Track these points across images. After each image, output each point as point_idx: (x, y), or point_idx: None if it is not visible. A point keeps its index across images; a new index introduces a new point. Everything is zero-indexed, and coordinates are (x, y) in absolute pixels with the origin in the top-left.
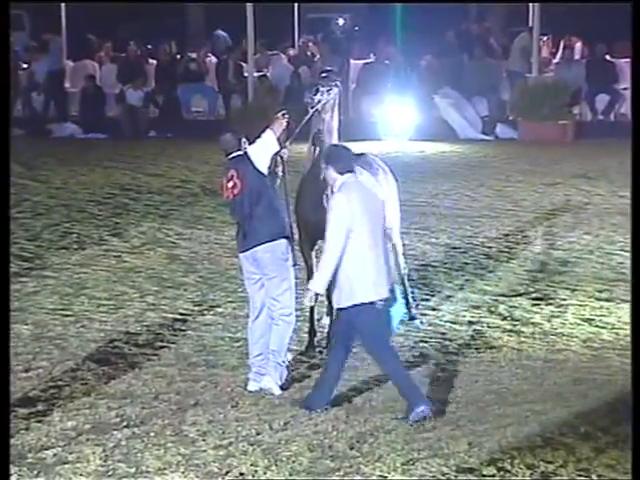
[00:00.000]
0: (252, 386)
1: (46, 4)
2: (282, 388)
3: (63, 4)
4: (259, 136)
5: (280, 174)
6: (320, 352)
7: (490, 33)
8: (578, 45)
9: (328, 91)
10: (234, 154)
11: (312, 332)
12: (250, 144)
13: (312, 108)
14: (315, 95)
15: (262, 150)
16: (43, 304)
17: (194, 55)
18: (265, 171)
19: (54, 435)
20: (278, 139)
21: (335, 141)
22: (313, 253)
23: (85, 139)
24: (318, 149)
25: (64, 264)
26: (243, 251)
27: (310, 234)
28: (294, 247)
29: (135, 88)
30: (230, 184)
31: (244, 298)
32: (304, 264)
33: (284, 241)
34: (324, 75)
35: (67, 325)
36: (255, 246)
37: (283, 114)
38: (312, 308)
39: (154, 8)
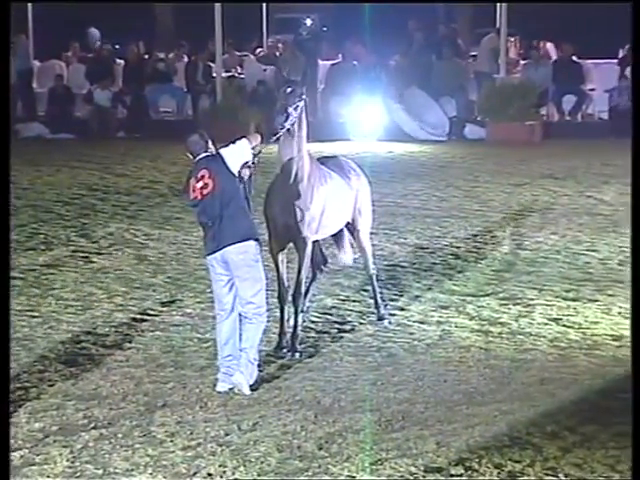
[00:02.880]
0: (221, 387)
1: (13, 3)
2: (251, 389)
3: (30, 4)
4: (233, 142)
5: (246, 178)
6: (290, 352)
7: (457, 34)
8: (549, 45)
9: (295, 109)
10: (203, 155)
11: (282, 333)
12: (220, 147)
13: (282, 129)
14: (285, 122)
15: (236, 154)
16: (10, 305)
17: (162, 55)
18: (236, 173)
19: (21, 437)
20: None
21: (304, 144)
22: (282, 255)
23: (53, 139)
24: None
25: (31, 265)
26: (212, 252)
27: (279, 236)
28: (262, 248)
29: (103, 88)
30: (200, 184)
31: (213, 299)
32: (273, 265)
33: (254, 242)
34: (289, 91)
35: (34, 326)
36: (225, 247)
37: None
38: (282, 309)
39: (122, 8)
